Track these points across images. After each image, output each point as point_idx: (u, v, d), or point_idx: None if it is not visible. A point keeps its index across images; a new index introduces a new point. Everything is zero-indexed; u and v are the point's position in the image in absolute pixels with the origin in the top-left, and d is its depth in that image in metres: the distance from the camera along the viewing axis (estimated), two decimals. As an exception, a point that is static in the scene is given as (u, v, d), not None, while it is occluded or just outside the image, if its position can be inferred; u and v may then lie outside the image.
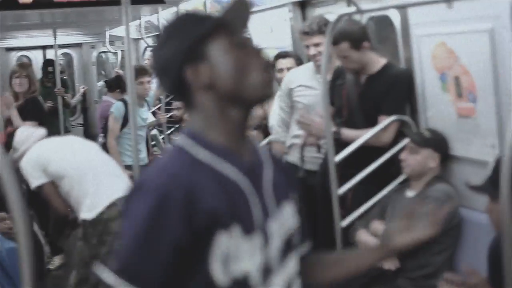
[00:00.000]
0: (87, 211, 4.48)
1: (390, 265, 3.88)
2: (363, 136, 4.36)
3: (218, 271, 1.73)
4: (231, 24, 1.86)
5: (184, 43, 1.82)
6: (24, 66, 8.20)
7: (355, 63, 4.46)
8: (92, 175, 4.60)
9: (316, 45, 4.94)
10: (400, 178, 4.36)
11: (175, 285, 1.72)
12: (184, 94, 1.85)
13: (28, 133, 4.97)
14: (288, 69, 5.55)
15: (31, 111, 7.60)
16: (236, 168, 1.81)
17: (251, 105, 1.86)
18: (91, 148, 4.94)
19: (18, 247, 1.69)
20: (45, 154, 4.75)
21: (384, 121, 4.38)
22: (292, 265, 1.91)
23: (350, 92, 4.55)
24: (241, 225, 1.76)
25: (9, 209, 1.66)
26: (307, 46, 5.02)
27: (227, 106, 1.83)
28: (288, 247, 1.90)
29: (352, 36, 4.39)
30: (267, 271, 1.82)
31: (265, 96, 1.87)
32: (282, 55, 5.68)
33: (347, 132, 4.43)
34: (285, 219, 1.91)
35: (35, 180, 4.70)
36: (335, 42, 4.37)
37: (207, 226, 1.71)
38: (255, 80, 1.83)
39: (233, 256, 1.74)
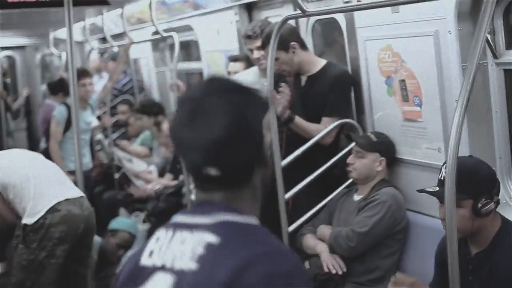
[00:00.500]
0: (28, 216, 4.37)
1: (338, 269, 3.86)
2: (311, 140, 4.33)
3: None
4: None
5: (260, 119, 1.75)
6: None
7: (286, 64, 4.45)
8: (33, 181, 4.49)
9: (259, 48, 4.91)
10: (347, 182, 4.34)
11: None
12: (247, 170, 1.75)
13: None
14: (235, 72, 5.51)
15: None
16: None
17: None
18: (33, 156, 4.83)
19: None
20: None
21: (331, 124, 4.36)
22: None
23: (292, 93, 4.51)
24: None
25: None
26: (251, 50, 4.99)
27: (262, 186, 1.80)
28: None
29: (279, 38, 4.35)
30: None
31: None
32: (232, 59, 5.64)
33: (299, 120, 4.36)
34: None
35: None
36: (263, 45, 4.36)
37: None
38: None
39: None
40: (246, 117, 1.71)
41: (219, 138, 1.66)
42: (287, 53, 4.41)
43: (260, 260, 1.60)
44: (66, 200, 4.40)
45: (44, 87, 11.83)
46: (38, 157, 4.77)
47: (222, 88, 1.74)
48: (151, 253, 1.75)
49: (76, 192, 4.61)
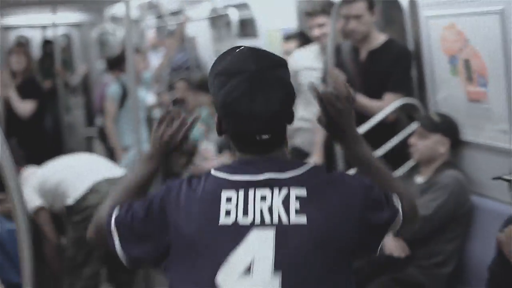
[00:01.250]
0: (69, 198, 4.47)
1: (400, 252, 3.80)
2: (373, 119, 4.27)
3: None
4: None
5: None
6: (22, 44, 8.13)
7: (366, 26, 4.36)
8: (72, 165, 4.64)
9: (320, 26, 4.86)
10: (409, 164, 4.27)
11: None
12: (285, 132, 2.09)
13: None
14: (289, 52, 5.47)
15: (30, 90, 7.55)
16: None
17: None
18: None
19: (17, 231, 1.64)
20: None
21: (392, 98, 4.29)
22: None
23: (350, 70, 4.44)
24: None
25: (7, 191, 1.60)
26: (311, 27, 4.94)
27: None
28: None
29: None
30: None
31: None
32: (285, 37, 5.60)
33: (361, 99, 4.30)
34: None
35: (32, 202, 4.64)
36: (350, 0, 4.27)
37: None
38: None
39: None
40: (291, 88, 2.02)
41: (276, 110, 1.95)
42: (371, 16, 4.32)
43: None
44: (106, 180, 4.46)
45: (101, 64, 11.94)
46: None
47: (273, 63, 2.01)
48: (228, 212, 1.93)
49: (118, 172, 4.67)
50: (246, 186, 1.96)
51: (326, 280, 1.92)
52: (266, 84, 1.94)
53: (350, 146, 2.16)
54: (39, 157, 7.84)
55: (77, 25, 12.77)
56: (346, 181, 2.02)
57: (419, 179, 4.01)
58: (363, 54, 4.44)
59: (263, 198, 1.94)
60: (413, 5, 4.34)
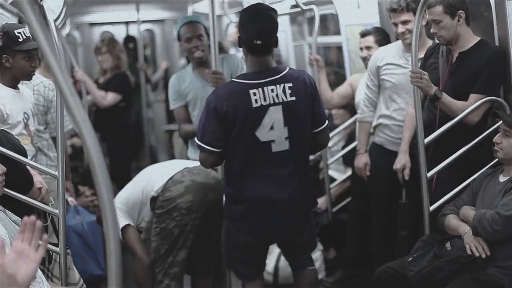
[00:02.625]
0: (155, 189, 4.54)
1: (481, 252, 3.72)
2: (456, 117, 4.20)
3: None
4: None
5: None
6: (106, 41, 8.27)
7: (446, 30, 4.27)
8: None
9: (404, 22, 4.80)
10: (491, 162, 4.18)
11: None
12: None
13: None
14: (367, 47, 5.42)
15: (117, 84, 7.68)
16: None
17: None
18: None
19: (104, 222, 1.65)
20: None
21: (478, 100, 4.21)
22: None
23: (442, 71, 4.38)
24: None
25: (94, 183, 1.61)
26: (395, 24, 4.88)
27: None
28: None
29: (446, 1, 4.22)
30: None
31: None
32: (362, 34, 5.55)
33: (447, 98, 4.23)
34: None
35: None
36: (430, 5, 4.21)
37: None
38: None
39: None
40: (276, 22, 4.03)
41: (266, 27, 3.98)
42: (452, 19, 4.25)
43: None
44: (187, 170, 4.51)
45: (182, 60, 12.05)
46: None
47: (269, 9, 4.07)
48: (256, 101, 3.97)
49: (190, 162, 4.73)
50: (261, 85, 3.99)
51: (306, 125, 4.06)
52: (263, 16, 4.00)
53: None
54: (121, 151, 8.01)
55: (160, 22, 12.91)
56: (306, 76, 4.12)
57: (503, 178, 3.91)
58: (455, 55, 4.36)
59: (272, 90, 3.99)
60: (500, 2, 4.24)
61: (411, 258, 3.96)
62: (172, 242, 4.51)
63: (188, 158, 5.28)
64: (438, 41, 4.44)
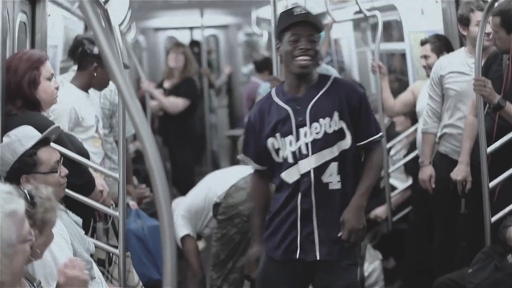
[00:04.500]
0: (218, 196, 4.57)
1: None
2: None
3: (274, 155, 3.53)
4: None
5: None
6: (180, 44, 8.36)
7: (502, 42, 4.23)
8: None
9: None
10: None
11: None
12: None
13: None
14: (425, 56, 5.35)
15: (186, 90, 7.75)
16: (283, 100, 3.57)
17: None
18: None
19: (160, 225, 1.66)
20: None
21: None
22: (326, 154, 3.45)
23: (506, 79, 4.31)
24: (281, 132, 3.51)
25: (152, 187, 1.63)
26: (471, 23, 4.77)
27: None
28: (323, 144, 3.44)
29: (506, 14, 4.17)
30: (299, 155, 3.45)
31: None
32: (422, 42, 5.48)
33: (509, 107, 4.16)
34: (319, 127, 3.44)
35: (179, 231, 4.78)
36: (493, 13, 4.16)
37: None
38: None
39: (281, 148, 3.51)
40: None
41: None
42: (507, 34, 4.19)
43: None
44: (248, 177, 4.53)
45: (246, 66, 12.11)
46: None
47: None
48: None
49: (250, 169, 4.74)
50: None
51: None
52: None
53: None
54: (184, 155, 8.07)
55: (223, 27, 12.98)
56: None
57: None
58: None
59: None
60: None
61: (471, 270, 3.88)
62: (232, 248, 4.53)
63: None
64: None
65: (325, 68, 5.23)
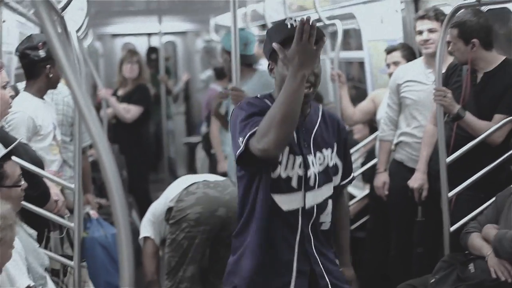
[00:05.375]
0: (171, 200, 4.54)
1: (507, 276, 3.63)
2: (479, 137, 4.14)
3: (279, 170, 2.90)
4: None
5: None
6: (135, 52, 8.30)
7: (460, 54, 4.27)
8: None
9: (431, 31, 4.75)
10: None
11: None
12: None
13: None
14: (395, 63, 5.36)
15: (139, 97, 7.70)
16: None
17: None
18: None
19: (117, 234, 1.62)
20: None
21: (501, 120, 4.15)
22: (326, 190, 3.01)
23: (465, 89, 4.33)
24: (289, 146, 2.89)
25: (108, 196, 1.59)
26: (420, 32, 4.82)
27: None
28: (325, 177, 3.00)
29: (463, 26, 4.21)
30: (305, 184, 2.93)
31: None
32: (388, 50, 5.49)
33: (470, 117, 4.19)
34: (322, 158, 3.01)
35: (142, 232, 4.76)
36: (451, 25, 4.18)
37: None
38: None
39: (283, 165, 2.91)
40: None
41: None
42: (465, 45, 4.22)
43: None
44: (204, 183, 4.49)
45: (204, 73, 12.08)
46: None
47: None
48: None
49: (217, 176, 4.70)
50: None
51: None
52: None
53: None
54: (139, 163, 8.00)
55: (182, 34, 12.95)
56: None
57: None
58: (479, 75, 4.32)
59: None
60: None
61: (433, 280, 3.88)
62: (181, 255, 4.49)
63: None
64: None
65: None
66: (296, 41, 2.57)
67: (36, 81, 4.45)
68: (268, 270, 2.97)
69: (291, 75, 2.61)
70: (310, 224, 2.96)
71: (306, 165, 2.93)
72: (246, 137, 2.73)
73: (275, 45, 2.67)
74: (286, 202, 2.93)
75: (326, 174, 3.01)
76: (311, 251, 2.97)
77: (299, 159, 2.92)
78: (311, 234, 2.97)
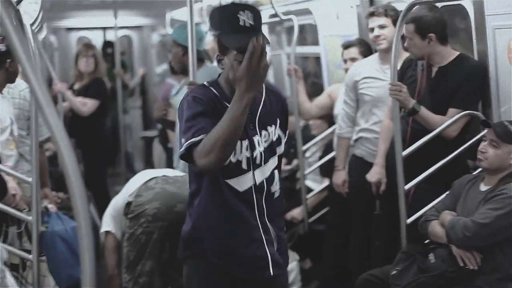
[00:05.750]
0: (130, 195, 4.53)
1: (474, 264, 3.70)
2: (434, 131, 4.21)
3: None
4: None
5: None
6: (90, 46, 8.23)
7: (417, 49, 4.34)
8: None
9: (381, 26, 4.82)
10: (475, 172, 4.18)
11: None
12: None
13: None
14: (352, 59, 5.41)
15: (95, 90, 7.65)
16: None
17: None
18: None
19: (77, 228, 1.63)
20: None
21: (456, 114, 4.22)
22: (271, 163, 3.17)
23: (420, 84, 4.40)
24: None
25: (68, 189, 1.59)
26: (372, 29, 4.90)
27: None
28: (269, 153, 3.15)
29: (419, 21, 4.27)
30: (253, 164, 3.11)
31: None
32: (345, 46, 5.54)
33: (425, 111, 4.26)
34: (267, 135, 3.15)
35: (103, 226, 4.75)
36: (407, 20, 4.24)
37: None
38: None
39: None
40: None
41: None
42: (421, 40, 4.28)
43: None
44: (163, 178, 4.49)
45: (160, 67, 12.03)
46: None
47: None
48: None
49: (177, 172, 4.70)
50: None
51: None
52: None
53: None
54: (96, 157, 7.96)
55: (137, 28, 12.89)
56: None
57: (483, 187, 3.90)
58: (434, 70, 4.38)
59: None
60: (479, 14, 4.26)
61: (395, 272, 3.93)
62: (139, 250, 4.48)
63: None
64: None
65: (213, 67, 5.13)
66: (246, 65, 2.69)
67: None
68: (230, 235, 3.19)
69: (237, 98, 2.76)
70: (263, 197, 3.17)
71: (252, 147, 3.11)
72: (189, 144, 2.89)
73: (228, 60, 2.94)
74: (239, 183, 3.13)
75: (271, 149, 3.19)
76: (264, 221, 3.18)
77: (245, 143, 3.10)
78: (264, 206, 3.17)
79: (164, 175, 4.62)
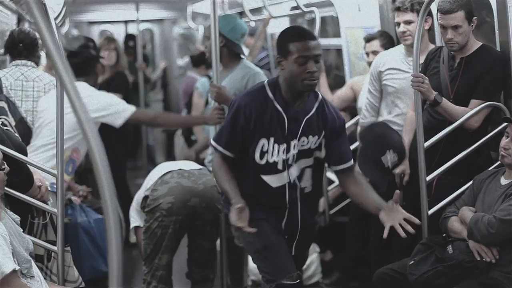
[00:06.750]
0: (147, 189, 4.57)
1: (491, 257, 3.70)
2: (456, 122, 4.20)
3: (257, 155, 3.66)
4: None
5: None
6: (112, 39, 8.26)
7: (464, 36, 4.26)
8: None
9: (407, 22, 4.81)
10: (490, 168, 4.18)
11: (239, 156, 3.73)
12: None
13: None
14: (373, 52, 5.41)
15: (117, 84, 7.67)
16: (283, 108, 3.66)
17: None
18: None
19: (105, 220, 1.65)
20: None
21: (478, 105, 4.21)
22: (303, 162, 3.71)
23: (443, 75, 4.38)
24: (275, 137, 3.64)
25: (95, 182, 1.62)
26: (398, 24, 4.88)
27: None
28: (303, 153, 3.68)
29: (468, 7, 4.23)
30: (287, 164, 3.66)
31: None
32: (367, 39, 5.54)
33: (447, 103, 4.24)
34: (306, 141, 3.68)
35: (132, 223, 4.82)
36: (450, 11, 4.19)
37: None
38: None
39: (269, 153, 3.66)
40: None
41: None
42: (469, 25, 4.25)
43: None
44: (179, 172, 4.51)
45: (181, 60, 12.07)
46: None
47: None
48: None
49: (195, 165, 4.72)
50: None
51: None
52: None
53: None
54: (117, 151, 8.00)
55: (159, 21, 12.92)
56: None
57: (504, 181, 3.89)
58: (457, 60, 4.36)
59: None
60: (502, 5, 4.24)
61: (412, 262, 3.94)
62: (156, 243, 4.51)
63: None
64: (448, 48, 4.39)
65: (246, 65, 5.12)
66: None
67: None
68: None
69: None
70: (297, 192, 3.74)
71: (288, 150, 3.66)
72: (214, 146, 3.78)
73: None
74: (274, 181, 3.71)
75: (307, 152, 3.71)
76: (296, 213, 3.77)
77: (282, 147, 3.66)
78: (299, 201, 3.76)
79: (180, 169, 4.63)
